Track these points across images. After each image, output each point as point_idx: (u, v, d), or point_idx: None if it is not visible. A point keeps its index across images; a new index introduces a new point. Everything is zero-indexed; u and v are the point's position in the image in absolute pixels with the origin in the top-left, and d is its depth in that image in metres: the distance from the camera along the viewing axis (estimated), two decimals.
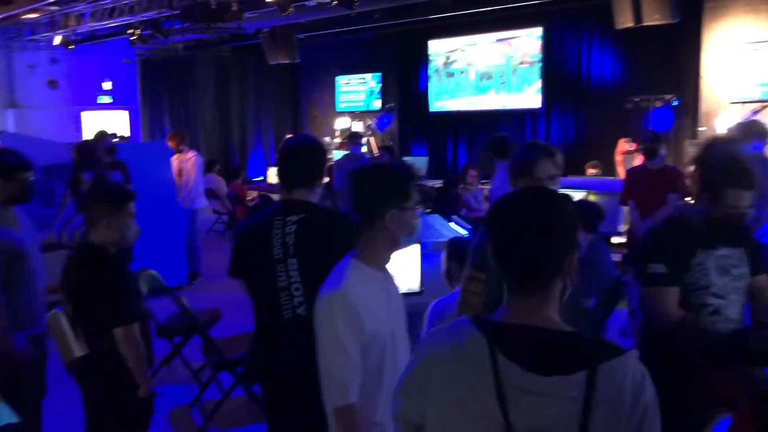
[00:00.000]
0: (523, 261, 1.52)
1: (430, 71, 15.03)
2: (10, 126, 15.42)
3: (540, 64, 13.15)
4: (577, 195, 6.31)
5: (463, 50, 14.44)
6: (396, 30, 14.86)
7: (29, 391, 3.24)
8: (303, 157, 2.71)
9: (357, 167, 2.26)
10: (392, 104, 15.37)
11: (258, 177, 17.49)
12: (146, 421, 3.10)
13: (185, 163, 7.39)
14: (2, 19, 11.77)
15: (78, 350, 2.97)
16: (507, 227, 1.55)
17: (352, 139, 8.17)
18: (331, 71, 16.99)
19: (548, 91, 13.14)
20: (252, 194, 12.35)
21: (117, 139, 7.98)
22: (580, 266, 1.56)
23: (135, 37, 11.09)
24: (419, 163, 11.05)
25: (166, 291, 4.55)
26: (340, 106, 16.97)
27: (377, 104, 16.06)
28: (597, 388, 1.39)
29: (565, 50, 13.07)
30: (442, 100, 14.91)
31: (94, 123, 16.36)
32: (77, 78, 16.26)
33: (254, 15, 11.14)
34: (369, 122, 16.09)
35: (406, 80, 15.77)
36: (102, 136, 6.10)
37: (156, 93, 17.27)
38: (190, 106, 17.24)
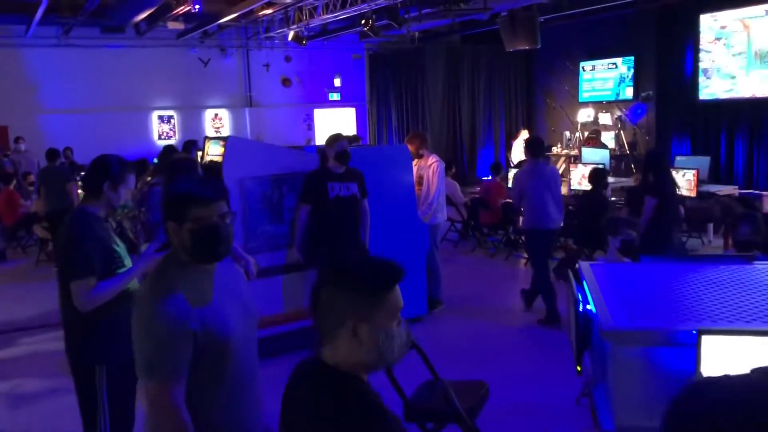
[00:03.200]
0: None
1: (699, 52, 12.49)
2: (247, 125, 15.69)
3: None
4: None
5: (745, 25, 11.73)
6: (656, 4, 12.56)
7: None
8: None
9: None
10: (649, 92, 13.06)
11: (486, 176, 16.11)
12: None
13: (426, 169, 6.21)
14: (240, 15, 11.61)
15: None
16: None
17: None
18: (573, 57, 15.04)
19: None
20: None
21: (351, 143, 7.02)
22: None
23: (367, 28, 10.24)
24: (697, 164, 8.87)
25: (420, 352, 3.30)
26: (584, 95, 14.97)
27: (629, 93, 13.84)
28: None
29: None
30: (713, 86, 12.32)
31: (324, 121, 16.20)
32: (309, 75, 16.15)
33: None
34: (618, 113, 13.95)
35: (666, 64, 13.34)
36: (334, 139, 5.01)
37: (383, 88, 16.65)
38: (418, 100, 16.35)
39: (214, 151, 5.34)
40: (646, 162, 6.01)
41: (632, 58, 13.77)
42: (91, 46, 13.40)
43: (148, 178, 5.66)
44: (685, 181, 7.74)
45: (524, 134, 14.37)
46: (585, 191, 8.13)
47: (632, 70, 13.78)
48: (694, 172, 7.71)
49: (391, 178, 5.89)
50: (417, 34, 11.35)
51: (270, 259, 5.28)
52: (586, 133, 13.94)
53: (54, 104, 13.50)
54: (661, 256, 3.98)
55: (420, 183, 6.30)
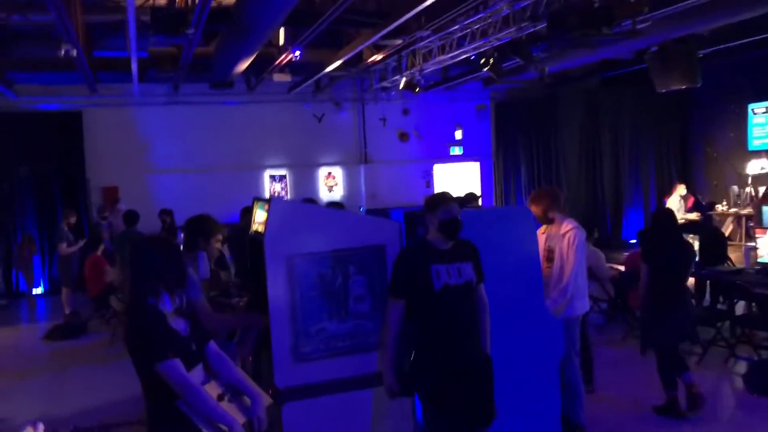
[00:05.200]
0: None
1: None
2: (362, 182, 14.53)
3: None
4: None
5: None
6: None
7: None
8: None
9: None
10: None
11: (635, 241, 13.79)
12: None
13: (558, 240, 4.47)
14: (348, 64, 10.51)
15: None
16: None
17: None
18: (739, 98, 12.67)
19: None
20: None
21: (465, 205, 5.34)
22: None
23: (488, 67, 8.71)
24: None
25: None
26: (755, 143, 12.49)
27: None
28: None
29: None
30: None
31: (445, 177, 14.72)
32: (429, 129, 14.82)
33: (646, 23, 7.89)
34: None
35: None
36: (440, 201, 3.45)
37: (511, 140, 14.97)
38: (552, 153, 14.48)
39: (260, 218, 3.95)
40: None
41: None
42: (200, 102, 12.89)
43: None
44: None
45: (680, 190, 12.13)
46: None
47: None
48: None
49: (505, 253, 4.16)
50: (547, 73, 9.61)
51: (329, 369, 3.74)
52: (762, 189, 11.47)
53: (164, 163, 13.04)
54: None
55: (550, 259, 4.55)
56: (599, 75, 12.99)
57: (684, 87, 10.29)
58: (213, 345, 2.80)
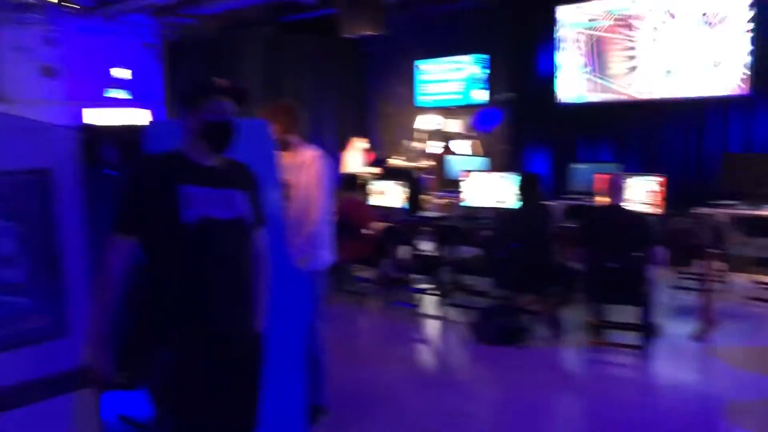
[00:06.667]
0: None
1: (559, 48, 11.00)
2: None
3: (754, 26, 9.01)
4: None
5: (611, 17, 10.41)
6: None
7: None
8: None
9: None
10: (508, 94, 11.26)
11: None
12: None
13: (298, 171, 3.39)
14: None
15: None
16: None
17: None
18: (408, 53, 13.01)
19: (763, 68, 9.03)
20: None
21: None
22: None
23: None
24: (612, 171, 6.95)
25: None
26: (422, 99, 12.97)
27: (481, 96, 12.04)
28: None
29: None
30: (577, 88, 10.88)
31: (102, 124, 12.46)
32: (81, 66, 12.32)
33: None
34: (469, 120, 12.10)
35: (522, 63, 11.72)
36: (199, 94, 1.97)
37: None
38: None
39: None
40: None
41: (485, 56, 12.01)
42: None
43: None
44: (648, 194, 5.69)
45: (359, 144, 12.07)
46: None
47: (486, 71, 12.00)
48: (661, 180, 5.66)
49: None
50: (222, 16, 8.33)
51: None
52: (432, 143, 11.92)
53: None
54: None
55: (286, 196, 3.44)
56: (279, 19, 12.14)
57: (371, 33, 10.06)
58: None
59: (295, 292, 3.18)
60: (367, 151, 11.95)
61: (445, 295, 6.12)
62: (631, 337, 5.04)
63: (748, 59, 9.06)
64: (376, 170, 11.59)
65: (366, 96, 14.30)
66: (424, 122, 12.88)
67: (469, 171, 6.90)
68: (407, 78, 13.23)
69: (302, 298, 3.28)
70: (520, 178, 5.53)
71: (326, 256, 3.59)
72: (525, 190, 5.41)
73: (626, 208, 5.02)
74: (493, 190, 6.45)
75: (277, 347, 3.06)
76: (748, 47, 9.05)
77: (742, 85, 9.16)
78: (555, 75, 11.08)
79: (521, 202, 5.42)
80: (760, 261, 6.19)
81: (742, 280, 6.26)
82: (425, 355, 5.28)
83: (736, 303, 5.99)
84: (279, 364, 3.09)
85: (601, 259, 4.83)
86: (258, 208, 2.41)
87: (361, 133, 13.55)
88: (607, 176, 5.45)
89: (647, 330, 4.99)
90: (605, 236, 4.87)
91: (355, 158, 11.77)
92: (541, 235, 5.22)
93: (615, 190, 4.99)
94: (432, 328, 5.81)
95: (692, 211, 6.31)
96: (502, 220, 5.69)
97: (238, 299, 2.31)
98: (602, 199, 5.56)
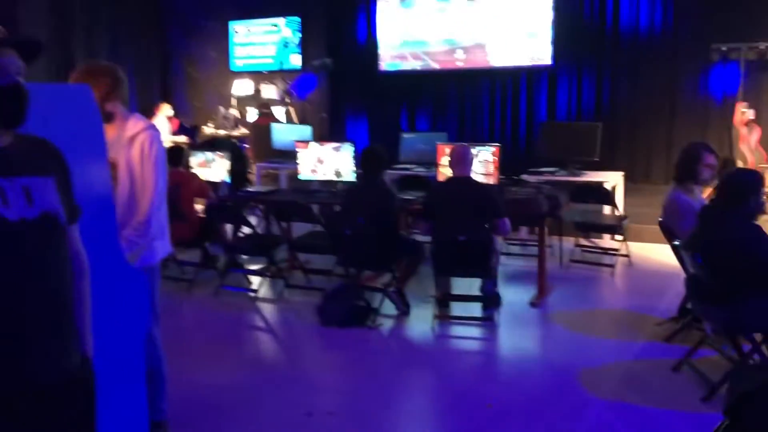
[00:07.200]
0: None
1: (379, 13, 10.84)
2: None
3: (552, 3, 9.54)
4: None
5: None
6: None
7: None
8: None
9: None
10: (325, 60, 10.90)
11: None
12: None
13: (122, 147, 2.73)
14: None
15: None
16: None
17: None
18: (221, 14, 12.15)
19: (560, 40, 9.57)
20: None
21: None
22: None
23: None
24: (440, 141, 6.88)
25: None
26: (237, 63, 12.21)
27: (296, 60, 11.56)
28: None
29: None
30: (397, 54, 10.82)
31: None
32: None
33: None
34: (284, 86, 11.57)
35: (339, 26, 11.40)
36: None
37: None
38: None
39: None
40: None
41: (297, 18, 11.51)
42: None
43: None
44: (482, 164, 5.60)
45: (165, 110, 11.07)
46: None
47: (299, 34, 11.51)
48: (494, 149, 5.60)
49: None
50: None
51: None
52: (253, 111, 11.25)
53: None
54: None
55: (115, 177, 2.79)
56: None
57: None
58: None
59: (129, 296, 2.57)
60: (170, 118, 10.98)
61: (283, 276, 5.67)
62: (476, 309, 5.01)
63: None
64: (183, 139, 10.72)
65: (171, 58, 13.13)
66: (240, 88, 12.16)
67: (306, 141, 6.44)
68: (221, 40, 12.36)
69: (137, 302, 2.67)
70: (363, 150, 5.19)
71: (161, 247, 2.99)
72: (368, 162, 5.10)
73: (473, 179, 4.91)
74: (327, 162, 6.07)
75: (111, 366, 2.45)
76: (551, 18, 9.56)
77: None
78: (376, 43, 10.92)
79: (366, 175, 5.11)
80: (579, 225, 6.47)
81: (565, 243, 6.53)
82: (269, 348, 4.82)
83: (562, 267, 6.24)
84: (113, 386, 2.48)
85: (449, 232, 4.68)
86: (69, 198, 1.79)
87: (165, 99, 12.46)
88: (450, 146, 5.31)
89: (492, 301, 4.98)
90: (453, 209, 4.72)
91: (162, 126, 10.76)
92: (387, 208, 4.96)
93: (460, 161, 4.86)
94: (271, 314, 5.35)
95: (520, 178, 6.43)
96: (346, 194, 5.34)
97: (56, 325, 1.69)
98: (445, 170, 5.42)
